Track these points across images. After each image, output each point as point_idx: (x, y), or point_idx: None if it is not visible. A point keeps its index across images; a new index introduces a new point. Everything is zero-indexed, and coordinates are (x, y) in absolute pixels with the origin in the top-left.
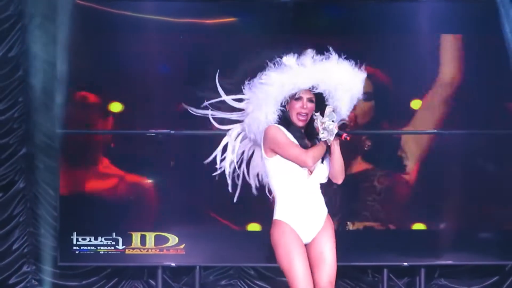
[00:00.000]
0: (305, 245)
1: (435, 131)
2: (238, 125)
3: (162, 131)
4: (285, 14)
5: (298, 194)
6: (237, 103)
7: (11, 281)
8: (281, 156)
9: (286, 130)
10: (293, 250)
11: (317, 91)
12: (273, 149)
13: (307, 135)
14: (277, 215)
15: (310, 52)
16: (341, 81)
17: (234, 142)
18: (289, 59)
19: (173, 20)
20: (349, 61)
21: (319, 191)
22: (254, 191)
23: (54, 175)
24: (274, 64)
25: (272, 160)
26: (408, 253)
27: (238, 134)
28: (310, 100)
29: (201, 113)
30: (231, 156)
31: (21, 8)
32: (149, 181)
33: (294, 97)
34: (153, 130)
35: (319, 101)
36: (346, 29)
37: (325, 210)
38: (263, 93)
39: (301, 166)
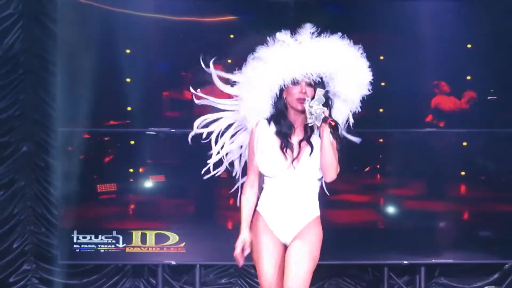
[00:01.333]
0: (285, 244)
1: (434, 129)
2: (228, 114)
3: (163, 129)
4: (287, 13)
5: (280, 187)
6: (228, 87)
7: (12, 279)
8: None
9: (268, 128)
10: (262, 248)
11: (316, 73)
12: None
13: (305, 131)
14: (258, 204)
15: (308, 27)
16: (345, 61)
17: (223, 136)
18: (283, 35)
19: (173, 18)
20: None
21: (309, 188)
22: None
23: (54, 173)
24: (267, 42)
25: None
26: (408, 252)
27: (229, 126)
28: (309, 84)
29: (201, 100)
30: (218, 150)
31: (21, 6)
32: (150, 179)
33: (291, 81)
34: (154, 129)
35: (320, 85)
36: (348, 28)
37: (313, 212)
38: (256, 75)
39: None
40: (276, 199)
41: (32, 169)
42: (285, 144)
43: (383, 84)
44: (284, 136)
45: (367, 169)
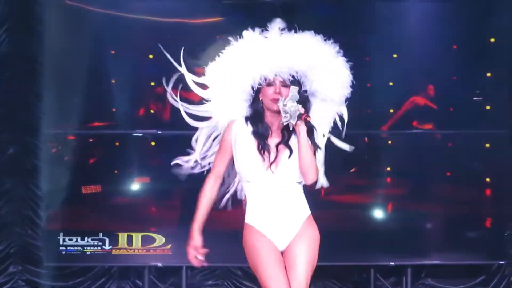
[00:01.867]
0: (282, 252)
1: (420, 131)
2: (209, 122)
3: (149, 131)
4: (273, 13)
5: (264, 194)
6: (202, 90)
7: None
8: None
9: (245, 128)
10: (261, 252)
11: (288, 72)
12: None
13: (283, 134)
14: (246, 217)
15: (278, 23)
16: (319, 58)
17: (204, 143)
18: (250, 34)
19: (160, 19)
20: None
21: (293, 190)
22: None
23: (40, 175)
24: (235, 41)
25: (234, 157)
26: (395, 253)
27: (210, 134)
28: (284, 84)
29: (175, 101)
30: (196, 156)
31: (8, 8)
32: (136, 181)
33: (265, 82)
34: (140, 131)
35: (294, 84)
36: (334, 29)
37: (304, 212)
38: (225, 76)
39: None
40: (263, 208)
41: (19, 171)
42: (262, 146)
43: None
44: (261, 137)
45: (352, 170)
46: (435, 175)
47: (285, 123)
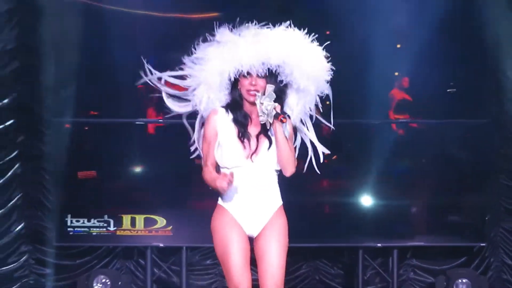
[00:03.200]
0: (252, 238)
1: (408, 120)
2: (187, 103)
3: (151, 119)
4: (270, 8)
5: (241, 180)
6: (179, 80)
7: (10, 260)
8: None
9: (227, 116)
10: (230, 238)
11: (266, 66)
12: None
13: (262, 123)
14: (220, 199)
15: (249, 26)
16: (293, 50)
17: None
18: (223, 34)
19: (159, 14)
20: (303, 30)
21: (269, 180)
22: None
23: (49, 161)
24: (211, 39)
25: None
26: (382, 235)
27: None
28: (260, 76)
29: (155, 85)
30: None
31: (18, 3)
32: (139, 166)
33: (243, 74)
34: (142, 119)
35: (272, 77)
36: (329, 22)
37: (276, 202)
38: (203, 71)
39: None
40: (239, 193)
41: (29, 157)
42: (242, 134)
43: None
44: (241, 124)
45: (334, 157)
46: (419, 163)
47: (262, 122)
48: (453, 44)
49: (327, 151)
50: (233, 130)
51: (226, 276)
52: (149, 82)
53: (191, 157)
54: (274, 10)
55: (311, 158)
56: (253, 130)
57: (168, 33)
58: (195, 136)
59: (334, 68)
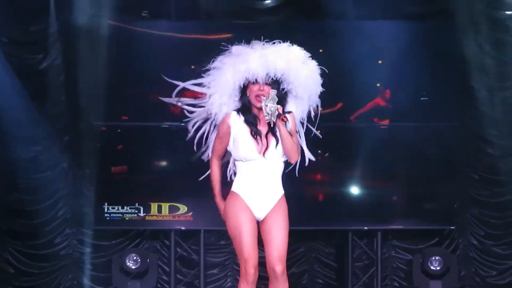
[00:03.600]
0: (258, 221)
1: (396, 123)
2: (202, 110)
3: (174, 123)
4: (272, 32)
5: (253, 171)
6: (198, 87)
7: (57, 240)
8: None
9: (239, 118)
10: (242, 219)
11: (271, 75)
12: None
13: (269, 124)
14: (233, 187)
15: (259, 42)
16: (293, 63)
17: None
18: (237, 47)
19: (180, 36)
20: (302, 48)
21: (276, 172)
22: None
23: (90, 158)
24: (226, 51)
25: (231, 143)
26: (368, 220)
27: (204, 120)
28: (266, 83)
29: (171, 101)
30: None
31: (63, 23)
32: (164, 162)
33: (251, 82)
34: (167, 123)
35: (275, 84)
36: (327, 44)
37: (280, 191)
38: (219, 78)
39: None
40: (251, 181)
41: (72, 154)
42: (255, 132)
43: None
44: (252, 124)
45: (326, 154)
46: (400, 159)
47: (267, 121)
48: (429, 59)
49: (313, 158)
50: (246, 129)
51: (237, 252)
52: (169, 101)
53: (200, 156)
54: (278, 32)
55: (300, 162)
56: (262, 129)
57: (188, 51)
58: (210, 137)
59: (324, 79)
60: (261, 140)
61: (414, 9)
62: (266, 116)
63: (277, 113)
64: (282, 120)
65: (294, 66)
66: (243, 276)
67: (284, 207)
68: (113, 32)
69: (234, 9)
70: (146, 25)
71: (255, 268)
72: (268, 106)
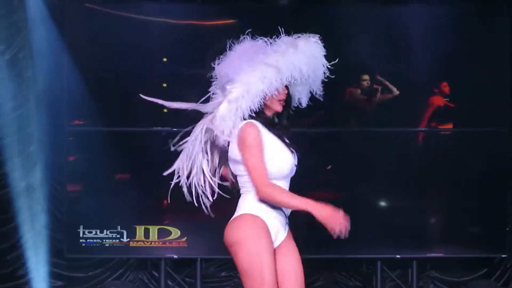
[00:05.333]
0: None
1: (424, 129)
2: (201, 122)
3: (165, 128)
4: (283, 18)
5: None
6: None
7: (19, 272)
8: (242, 161)
9: (263, 128)
10: (266, 251)
11: (302, 74)
12: (240, 149)
13: (281, 122)
14: (251, 209)
15: (309, 35)
16: (318, 61)
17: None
18: (284, 41)
19: (175, 22)
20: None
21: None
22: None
23: (60, 171)
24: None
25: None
26: (401, 246)
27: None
28: (286, 86)
29: (153, 100)
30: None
31: (27, 11)
32: (153, 176)
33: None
34: (158, 128)
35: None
36: (342, 34)
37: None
38: (250, 78)
39: (254, 186)
40: (271, 204)
41: (40, 167)
42: (286, 143)
43: None
44: (278, 134)
45: (331, 166)
46: (440, 173)
47: None
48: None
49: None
50: (276, 140)
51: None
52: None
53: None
54: (286, 18)
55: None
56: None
57: (185, 39)
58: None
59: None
60: (292, 151)
61: None
62: None
63: None
64: None
65: (318, 65)
66: None
67: (290, 233)
68: (88, 17)
69: None
70: (131, 9)
71: None
72: None
